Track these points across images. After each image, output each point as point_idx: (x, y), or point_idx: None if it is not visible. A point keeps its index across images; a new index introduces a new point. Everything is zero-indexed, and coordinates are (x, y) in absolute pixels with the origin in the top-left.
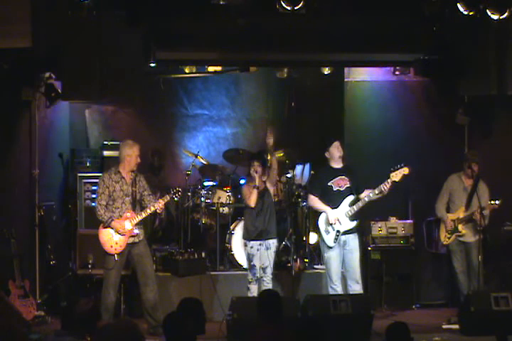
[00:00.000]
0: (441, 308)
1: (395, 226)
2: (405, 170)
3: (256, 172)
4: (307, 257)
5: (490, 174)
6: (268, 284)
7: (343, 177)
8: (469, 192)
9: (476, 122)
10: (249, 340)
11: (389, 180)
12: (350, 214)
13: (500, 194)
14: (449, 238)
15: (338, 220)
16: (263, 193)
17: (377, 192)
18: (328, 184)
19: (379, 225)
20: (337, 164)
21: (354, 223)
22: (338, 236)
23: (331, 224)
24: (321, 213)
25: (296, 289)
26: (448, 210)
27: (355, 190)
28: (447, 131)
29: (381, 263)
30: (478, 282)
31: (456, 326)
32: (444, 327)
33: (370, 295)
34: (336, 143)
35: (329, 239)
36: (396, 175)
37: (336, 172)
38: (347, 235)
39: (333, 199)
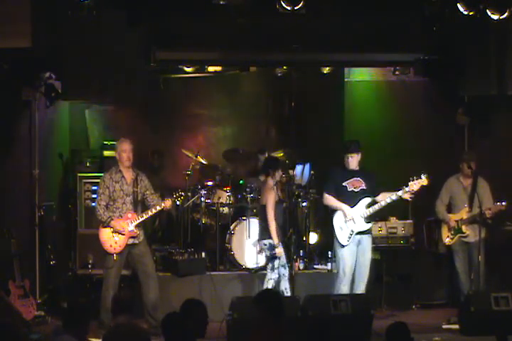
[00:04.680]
0: (441, 308)
1: (395, 226)
2: (424, 181)
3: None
4: (307, 257)
5: (490, 174)
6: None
7: (359, 179)
8: (470, 192)
9: (476, 122)
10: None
11: (407, 189)
12: (365, 215)
13: (500, 194)
14: (452, 239)
15: (352, 219)
16: None
17: (394, 198)
18: (343, 184)
19: (379, 225)
20: (353, 168)
21: (369, 225)
22: (351, 235)
23: (347, 222)
24: (335, 211)
25: (297, 289)
26: (449, 211)
27: (371, 193)
28: (447, 131)
29: (381, 263)
30: (478, 282)
31: (456, 326)
32: (444, 327)
33: (370, 295)
34: (350, 156)
35: (343, 237)
36: (414, 185)
37: (352, 174)
38: (362, 235)
39: (348, 200)
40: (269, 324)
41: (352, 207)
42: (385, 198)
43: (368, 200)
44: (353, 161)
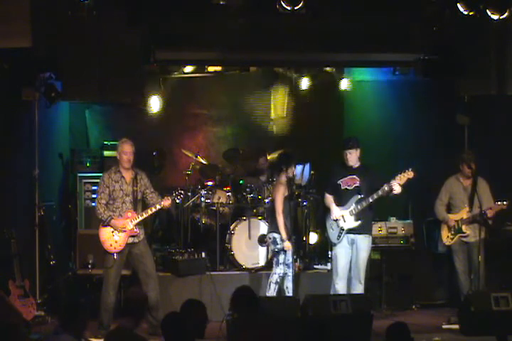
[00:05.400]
0: (441, 308)
1: (395, 226)
2: (410, 174)
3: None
4: (307, 257)
5: (490, 174)
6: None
7: (354, 177)
8: (470, 192)
9: (476, 122)
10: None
11: (393, 182)
12: (354, 212)
13: (500, 194)
14: (452, 239)
15: (342, 217)
16: None
17: (380, 193)
18: (338, 182)
19: (379, 225)
20: (353, 164)
21: (358, 222)
22: (341, 233)
23: (336, 221)
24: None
25: (297, 289)
26: (449, 211)
27: (367, 190)
28: (447, 131)
29: (381, 263)
30: (478, 282)
31: (456, 326)
32: (444, 327)
33: (370, 295)
34: (348, 152)
35: (333, 235)
36: (400, 178)
37: (349, 171)
38: (356, 235)
39: (340, 198)
40: (255, 324)
41: (343, 205)
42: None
43: (357, 197)
44: (352, 157)
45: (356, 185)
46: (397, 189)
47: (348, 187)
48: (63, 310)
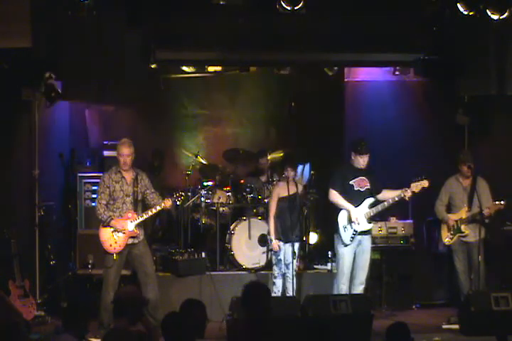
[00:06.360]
0: (441, 308)
1: (395, 226)
2: (425, 183)
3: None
4: (307, 257)
5: (490, 174)
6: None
7: (364, 178)
8: (469, 192)
9: (476, 122)
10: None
11: (409, 190)
12: (368, 216)
13: (500, 194)
14: (451, 238)
15: (357, 220)
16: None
17: (397, 199)
18: (350, 182)
19: (379, 225)
20: (362, 166)
21: (371, 225)
22: (354, 235)
23: (351, 223)
24: (339, 209)
25: (297, 289)
26: (449, 211)
27: (376, 192)
28: (447, 131)
29: (381, 263)
30: (478, 282)
31: (456, 326)
32: (444, 327)
33: (370, 295)
34: (365, 156)
35: (346, 237)
36: (416, 186)
37: (358, 173)
38: (363, 235)
39: (353, 199)
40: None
41: (356, 207)
42: (388, 197)
43: (371, 200)
44: (365, 161)
45: (367, 187)
46: (407, 196)
47: (360, 189)
48: (65, 310)
